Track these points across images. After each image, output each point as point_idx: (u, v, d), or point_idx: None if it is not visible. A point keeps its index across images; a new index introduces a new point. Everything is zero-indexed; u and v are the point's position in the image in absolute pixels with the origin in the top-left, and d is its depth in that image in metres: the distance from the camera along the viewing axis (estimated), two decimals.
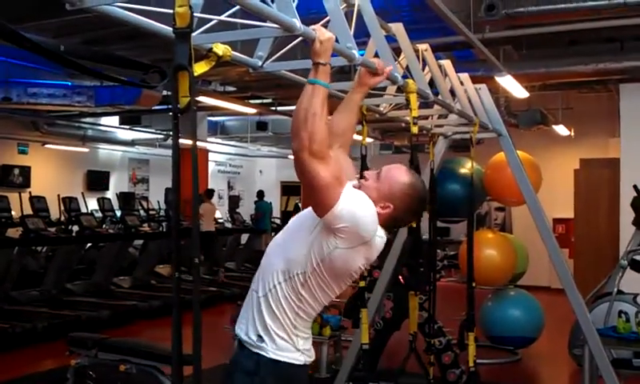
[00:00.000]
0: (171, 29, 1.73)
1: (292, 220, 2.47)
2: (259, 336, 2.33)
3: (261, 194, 15.72)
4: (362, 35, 3.03)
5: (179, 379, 1.80)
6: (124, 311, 9.06)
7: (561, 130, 11.49)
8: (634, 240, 6.61)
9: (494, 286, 7.53)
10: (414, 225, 3.38)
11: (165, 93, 8.45)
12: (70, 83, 8.78)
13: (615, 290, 6.44)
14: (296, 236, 2.36)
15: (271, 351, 2.31)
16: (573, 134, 11.89)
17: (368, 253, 2.30)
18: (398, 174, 2.37)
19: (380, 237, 2.32)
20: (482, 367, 5.84)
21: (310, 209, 2.32)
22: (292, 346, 2.33)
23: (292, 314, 2.31)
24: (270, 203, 16.24)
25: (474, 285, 5.03)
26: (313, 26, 2.25)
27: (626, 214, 7.38)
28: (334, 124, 2.64)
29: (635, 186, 6.67)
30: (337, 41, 2.40)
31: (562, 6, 6.05)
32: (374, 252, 2.34)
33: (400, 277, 5.94)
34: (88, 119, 13.07)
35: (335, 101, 2.91)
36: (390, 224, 2.36)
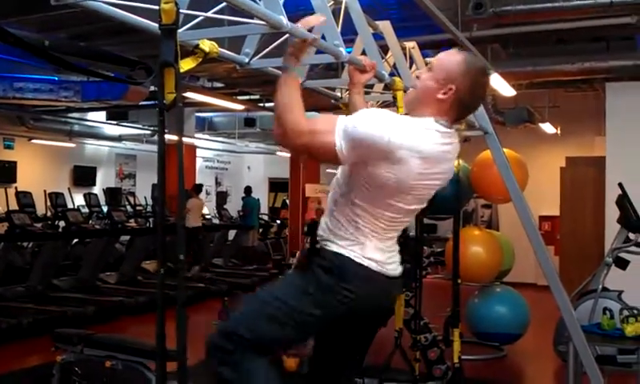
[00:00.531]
0: (157, 25, 1.73)
1: None
2: (325, 234, 2.35)
3: (248, 189, 15.70)
4: (349, 32, 3.04)
5: (163, 375, 1.80)
6: (110, 307, 9.02)
7: (547, 128, 11.55)
8: (618, 238, 6.66)
9: (480, 283, 7.57)
10: None
11: (152, 88, 8.42)
12: (56, 78, 8.73)
13: (600, 287, 6.49)
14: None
15: (335, 245, 2.31)
16: (559, 132, 11.96)
17: (408, 152, 2.16)
18: (449, 55, 2.34)
19: (410, 133, 2.18)
20: (468, 363, 5.87)
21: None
22: (355, 247, 2.29)
23: (352, 223, 2.29)
24: (258, 199, 16.22)
25: (459, 281, 5.06)
26: (300, 22, 2.27)
27: (612, 212, 7.43)
28: None
29: (620, 184, 6.72)
30: (324, 38, 2.41)
31: (549, 5, 6.08)
32: (423, 149, 2.19)
33: None
34: (74, 114, 12.99)
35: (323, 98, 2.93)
36: (460, 108, 2.28)
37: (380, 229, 2.32)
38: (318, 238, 2.37)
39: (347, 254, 2.29)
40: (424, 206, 2.43)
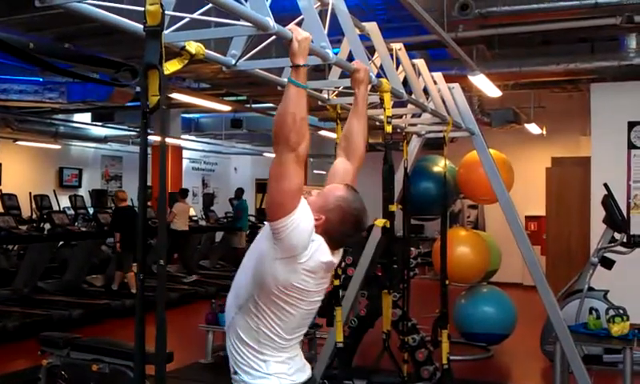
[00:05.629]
0: (142, 27, 1.71)
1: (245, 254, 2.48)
2: (234, 371, 2.37)
3: (241, 191, 15.47)
4: (336, 33, 3.03)
5: (142, 379, 1.80)
6: (97, 310, 8.98)
7: (533, 128, 11.61)
8: (604, 237, 6.70)
9: (468, 283, 7.59)
10: (387, 225, 3.39)
11: (138, 89, 8.36)
12: (41, 79, 8.67)
13: (586, 286, 6.53)
14: (243, 267, 2.39)
15: (245, 382, 2.34)
16: (545, 132, 12.03)
17: (305, 267, 2.24)
18: (335, 189, 2.42)
19: (314, 257, 2.26)
20: (455, 364, 5.88)
21: (258, 237, 2.35)
22: (263, 373, 2.33)
23: (254, 342, 2.32)
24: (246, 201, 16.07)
25: (447, 282, 5.07)
26: (289, 26, 2.24)
27: (597, 212, 7.48)
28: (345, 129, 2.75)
29: (605, 184, 6.76)
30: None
31: (535, 6, 6.12)
32: (315, 266, 2.27)
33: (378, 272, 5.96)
34: (60, 116, 12.91)
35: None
36: (328, 237, 2.32)
37: (279, 337, 2.33)
38: (232, 377, 2.39)
39: None
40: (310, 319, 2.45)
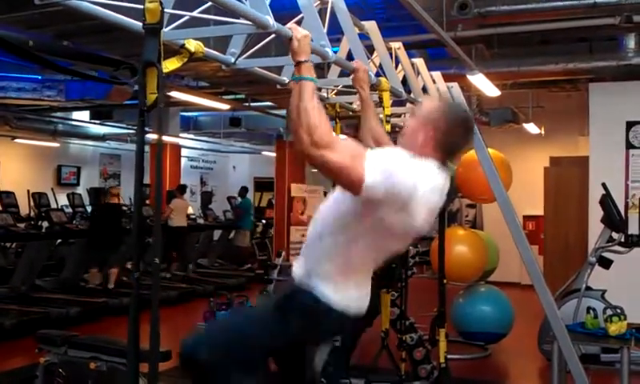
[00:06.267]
0: (141, 24, 1.71)
1: None
2: (307, 275, 2.37)
3: (245, 190, 15.36)
4: (335, 32, 3.04)
5: (135, 375, 1.80)
6: (94, 308, 8.97)
7: (531, 128, 11.61)
8: (602, 237, 6.71)
9: (465, 282, 7.59)
10: None
11: (136, 87, 8.35)
12: (40, 77, 8.66)
13: (584, 286, 6.54)
14: (336, 203, 2.37)
15: (316, 290, 2.33)
16: (543, 132, 12.03)
17: (423, 204, 2.20)
18: (427, 103, 2.47)
19: (430, 185, 2.21)
20: (453, 362, 5.89)
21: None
22: (341, 292, 2.34)
23: (343, 259, 2.32)
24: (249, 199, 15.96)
25: (445, 281, 5.08)
26: (288, 25, 2.25)
27: (595, 212, 7.48)
28: (365, 131, 2.82)
29: (604, 184, 6.76)
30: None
31: (534, 5, 6.13)
32: (432, 199, 2.24)
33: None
34: (58, 113, 12.89)
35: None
36: (442, 149, 2.29)
37: (364, 267, 2.39)
38: (300, 280, 2.39)
39: (325, 299, 2.32)
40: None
